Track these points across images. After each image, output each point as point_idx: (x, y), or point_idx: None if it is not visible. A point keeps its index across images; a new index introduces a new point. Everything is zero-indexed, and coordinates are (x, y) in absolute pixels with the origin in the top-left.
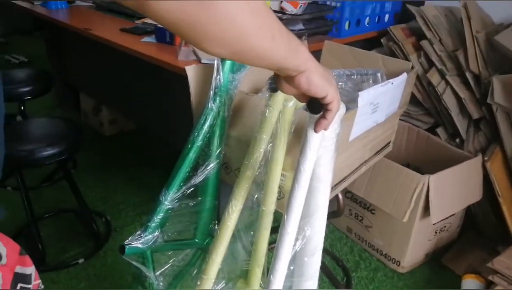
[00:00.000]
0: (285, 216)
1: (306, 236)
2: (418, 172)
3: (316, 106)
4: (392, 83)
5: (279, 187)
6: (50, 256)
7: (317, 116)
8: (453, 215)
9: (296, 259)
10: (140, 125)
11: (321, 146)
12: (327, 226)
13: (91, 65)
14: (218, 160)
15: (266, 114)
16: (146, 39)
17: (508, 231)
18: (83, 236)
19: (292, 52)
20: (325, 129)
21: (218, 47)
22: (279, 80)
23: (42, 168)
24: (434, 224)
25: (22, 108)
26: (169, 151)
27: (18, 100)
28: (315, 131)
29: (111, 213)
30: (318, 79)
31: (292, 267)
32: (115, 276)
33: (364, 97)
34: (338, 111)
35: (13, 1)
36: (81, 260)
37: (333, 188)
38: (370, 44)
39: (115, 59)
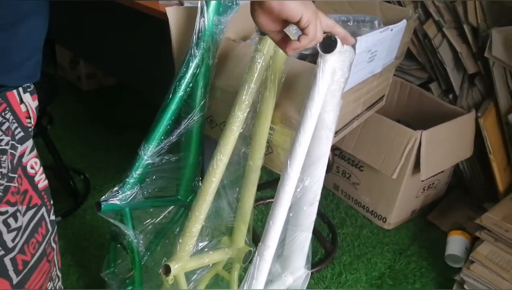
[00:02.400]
0: (288, 161)
1: (305, 185)
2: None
3: (327, 43)
4: (391, 30)
5: (267, 142)
6: None
7: (328, 55)
8: (441, 172)
9: (293, 207)
10: (119, 79)
11: (329, 90)
12: None
13: (66, 14)
14: (202, 113)
15: (256, 60)
16: None
17: (495, 188)
18: (61, 194)
19: None
20: (293, 51)
21: None
22: (254, 11)
23: None
24: (422, 181)
25: None
26: (151, 107)
27: None
28: (286, 51)
29: (91, 171)
30: None
31: (291, 214)
32: (94, 235)
33: (362, 43)
34: (318, 40)
35: None
36: (58, 219)
37: None
38: None
39: (92, 7)
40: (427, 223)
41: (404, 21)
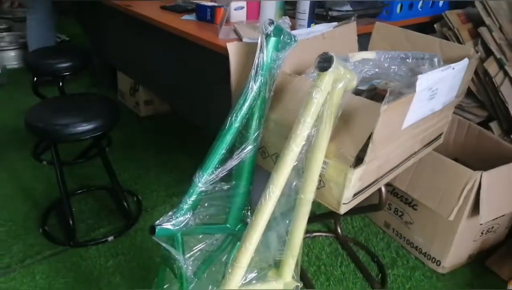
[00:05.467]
0: None
1: None
2: None
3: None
4: (453, 68)
5: (319, 176)
6: (80, 232)
7: None
8: (502, 216)
9: None
10: (176, 107)
11: None
12: (363, 219)
13: (129, 44)
14: (255, 144)
15: (313, 95)
16: (186, 17)
17: None
18: (114, 214)
19: None
20: None
21: None
22: None
23: (77, 145)
24: (481, 224)
25: (61, 84)
26: (203, 136)
27: (57, 75)
28: None
29: (143, 193)
30: None
31: None
32: (144, 257)
33: (423, 81)
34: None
35: None
36: (110, 238)
37: (378, 179)
38: (422, 29)
39: (154, 38)
40: (485, 269)
41: (466, 60)
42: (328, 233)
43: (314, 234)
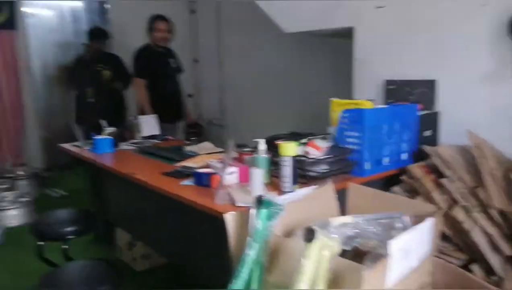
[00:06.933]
0: None
1: None
2: None
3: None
4: (419, 229)
5: None
6: None
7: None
8: None
9: None
10: (173, 261)
11: None
12: None
13: (130, 203)
14: None
15: (304, 264)
16: (185, 182)
17: None
18: None
19: None
20: None
21: None
22: None
23: None
24: None
25: (65, 246)
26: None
27: (62, 239)
28: None
29: None
30: None
31: None
32: None
33: (394, 245)
34: None
35: (60, 145)
36: None
37: None
38: (391, 181)
39: (155, 199)
40: None
41: (430, 219)
42: None
43: None
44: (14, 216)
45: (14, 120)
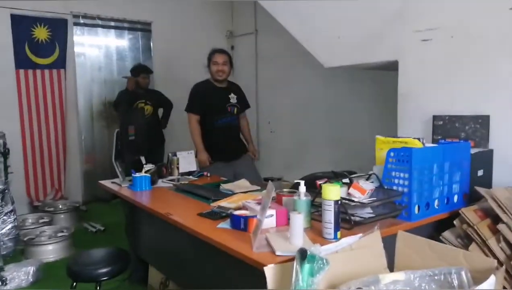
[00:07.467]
0: None
1: None
2: None
3: None
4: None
5: None
6: None
7: None
8: None
9: None
10: None
11: None
12: None
13: (165, 242)
14: None
15: None
16: (221, 225)
17: None
18: None
19: None
20: None
21: None
22: None
23: None
24: None
25: (98, 288)
26: None
27: (95, 280)
28: None
29: None
30: None
31: None
32: None
33: None
34: None
35: (100, 182)
36: None
37: None
38: (442, 225)
39: (189, 238)
40: None
41: (492, 278)
42: None
43: None
44: (52, 251)
45: (58, 155)
